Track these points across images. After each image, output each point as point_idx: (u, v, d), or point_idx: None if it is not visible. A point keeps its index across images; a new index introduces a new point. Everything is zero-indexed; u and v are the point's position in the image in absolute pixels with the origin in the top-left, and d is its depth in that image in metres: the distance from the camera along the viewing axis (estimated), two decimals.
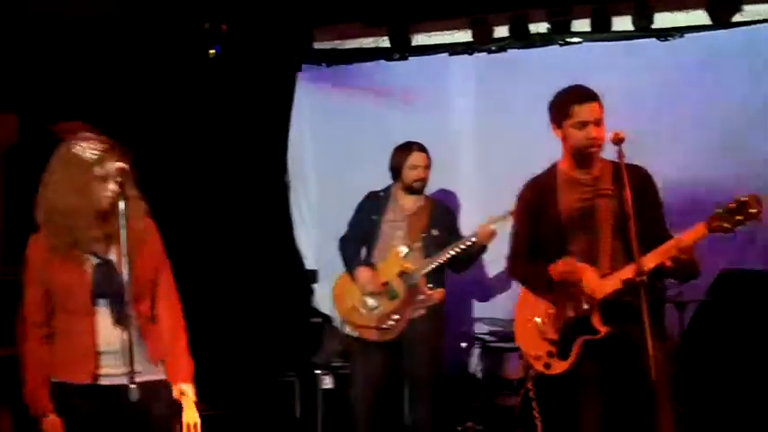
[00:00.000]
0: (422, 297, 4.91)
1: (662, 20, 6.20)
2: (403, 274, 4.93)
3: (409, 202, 5.12)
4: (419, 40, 6.68)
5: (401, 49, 6.65)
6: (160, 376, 3.31)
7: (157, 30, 6.03)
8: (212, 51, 6.48)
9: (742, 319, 5.71)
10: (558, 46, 6.38)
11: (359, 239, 5.16)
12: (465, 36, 6.56)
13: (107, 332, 3.21)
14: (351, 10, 6.59)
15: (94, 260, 3.25)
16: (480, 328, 5.89)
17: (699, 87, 6.02)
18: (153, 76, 6.14)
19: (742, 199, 3.29)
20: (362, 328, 4.99)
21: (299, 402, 5.94)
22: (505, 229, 4.74)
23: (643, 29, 6.18)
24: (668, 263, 3.43)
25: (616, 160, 3.65)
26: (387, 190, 5.20)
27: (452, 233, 5.09)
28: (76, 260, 3.22)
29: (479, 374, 5.72)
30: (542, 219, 3.80)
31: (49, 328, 3.26)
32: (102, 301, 3.22)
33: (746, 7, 6.02)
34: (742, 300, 5.75)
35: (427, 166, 5.10)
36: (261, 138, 6.74)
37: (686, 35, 6.12)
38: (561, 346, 3.70)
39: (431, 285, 4.93)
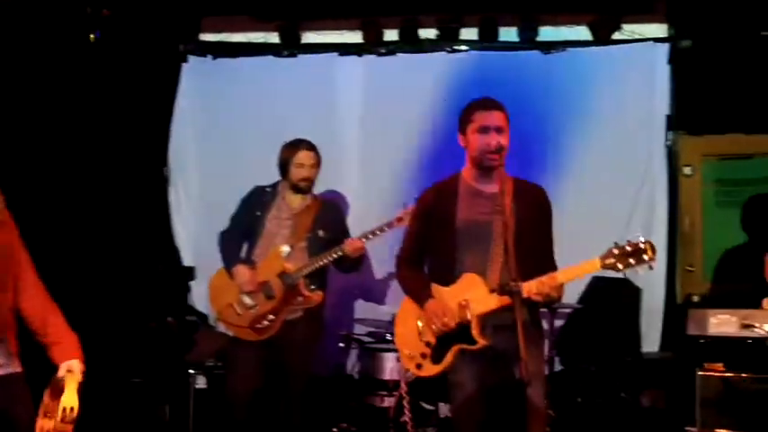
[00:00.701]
0: (300, 299, 4.82)
1: (546, 34, 6.40)
2: (283, 275, 4.81)
3: (296, 201, 5.00)
4: (309, 37, 6.67)
5: (291, 46, 6.62)
6: (18, 369, 3.29)
7: (36, 12, 5.82)
8: (93, 36, 6.29)
9: (611, 324, 5.99)
10: (446, 52, 6.48)
11: (240, 235, 5.02)
12: (355, 37, 6.60)
13: None
14: (241, 3, 6.50)
15: None
16: (360, 329, 5.92)
17: (579, 99, 6.26)
18: (30, 60, 5.90)
19: (640, 245, 3.37)
20: (237, 328, 4.88)
21: (168, 403, 5.80)
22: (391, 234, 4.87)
23: (528, 41, 6.38)
24: (537, 297, 3.53)
25: (518, 177, 3.79)
26: (274, 186, 5.07)
27: (340, 234, 4.99)
28: None
29: (356, 375, 5.75)
30: (438, 225, 3.82)
31: None
32: None
33: (626, 26, 6.32)
34: (611, 305, 6.01)
35: (314, 165, 4.99)
36: (141, 128, 6.56)
37: (569, 49, 6.35)
38: (436, 351, 3.74)
39: (313, 287, 4.86)
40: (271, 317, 4.80)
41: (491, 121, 3.73)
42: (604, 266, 3.43)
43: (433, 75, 6.43)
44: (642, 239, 3.38)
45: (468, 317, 3.65)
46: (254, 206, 5.01)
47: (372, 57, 6.58)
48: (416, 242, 3.97)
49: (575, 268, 3.53)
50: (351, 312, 6.31)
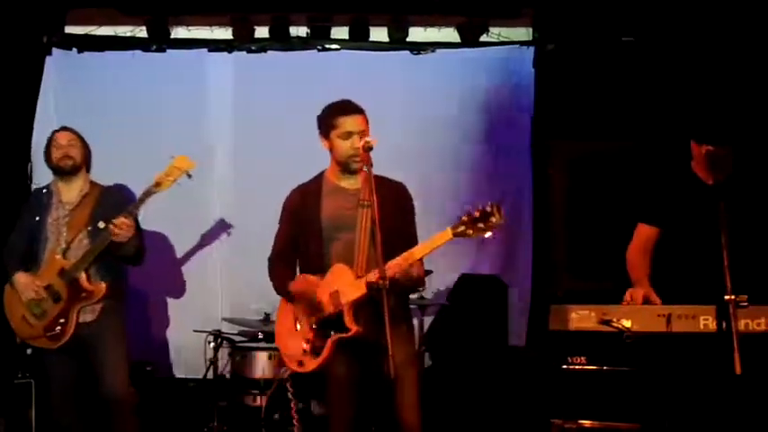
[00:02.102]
0: (84, 294, 4.54)
1: (416, 34, 6.45)
2: (62, 273, 4.55)
3: (71, 194, 4.73)
4: (179, 32, 6.52)
5: (159, 41, 6.46)
6: None
7: None
8: None
9: (478, 320, 6.08)
10: (317, 51, 6.46)
11: (23, 244, 4.71)
12: (226, 33, 6.49)
13: None
14: None
15: None
16: (230, 328, 5.83)
17: (446, 100, 6.34)
18: None
19: (486, 209, 3.43)
20: (34, 339, 4.63)
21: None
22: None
23: (398, 41, 6.41)
24: (400, 277, 3.59)
25: (378, 174, 3.79)
26: (48, 186, 4.82)
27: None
28: None
29: (227, 375, 5.66)
30: (305, 223, 3.91)
31: None
32: None
33: (493, 29, 6.43)
34: (478, 301, 6.11)
35: (73, 145, 4.73)
36: (3, 122, 6.30)
37: (438, 50, 6.41)
38: (315, 344, 3.78)
39: (101, 283, 4.58)
40: (62, 320, 4.56)
41: (353, 125, 3.83)
42: (456, 235, 3.48)
43: (303, 73, 6.39)
44: (489, 203, 3.44)
45: (340, 306, 3.70)
46: (33, 211, 4.74)
47: (243, 54, 6.50)
48: (285, 242, 4.02)
49: (428, 242, 3.58)
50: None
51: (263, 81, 6.43)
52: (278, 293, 4.00)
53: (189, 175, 4.59)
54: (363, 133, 3.81)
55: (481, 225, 3.44)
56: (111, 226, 4.42)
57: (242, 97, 6.49)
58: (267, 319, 5.50)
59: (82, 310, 4.58)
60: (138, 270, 4.96)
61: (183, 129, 6.40)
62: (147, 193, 4.54)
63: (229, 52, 6.51)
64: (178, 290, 6.35)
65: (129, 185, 5.09)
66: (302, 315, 3.86)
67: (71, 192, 4.75)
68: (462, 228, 3.47)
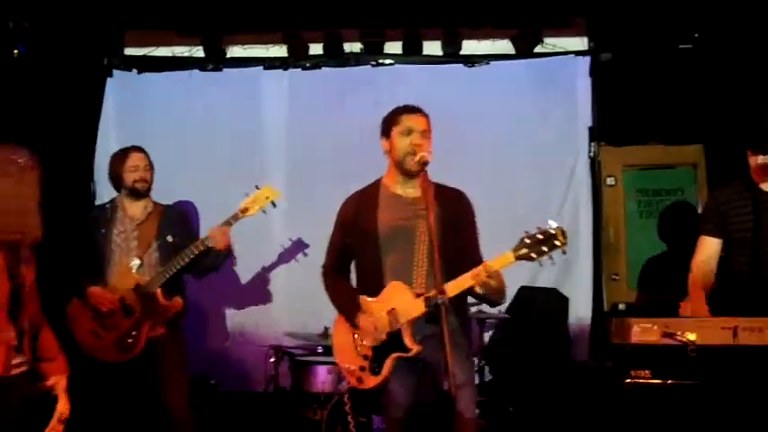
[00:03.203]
0: (160, 309, 4.65)
1: (469, 47, 6.42)
2: (137, 288, 4.66)
3: (137, 211, 4.87)
4: (234, 51, 6.59)
5: (215, 60, 6.53)
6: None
7: None
8: (16, 51, 6.11)
9: (538, 333, 6.00)
10: (370, 66, 6.48)
11: (89, 259, 4.80)
12: (281, 51, 6.52)
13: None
14: (164, 16, 6.38)
15: None
16: (290, 342, 5.83)
17: (502, 112, 6.29)
18: None
19: (550, 231, 3.36)
20: (101, 351, 4.67)
21: None
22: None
23: (451, 54, 6.38)
24: (477, 288, 3.48)
25: (439, 182, 3.75)
26: (112, 202, 4.94)
27: (189, 238, 4.85)
28: None
29: (288, 388, 5.66)
30: (360, 234, 3.81)
31: None
32: None
33: (547, 40, 6.37)
34: (538, 314, 6.02)
35: (147, 167, 4.88)
36: (67, 143, 6.35)
37: (492, 62, 6.37)
38: (374, 362, 3.70)
39: (178, 299, 4.73)
40: (134, 333, 4.63)
41: (416, 123, 3.75)
42: (518, 257, 3.41)
43: (357, 88, 6.40)
44: (553, 225, 3.37)
45: (398, 325, 3.62)
46: (98, 225, 4.84)
47: (297, 70, 6.54)
48: (340, 252, 3.96)
49: (491, 262, 3.47)
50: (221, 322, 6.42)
51: (317, 97, 6.47)
52: (333, 304, 3.93)
53: (274, 204, 4.85)
54: (425, 133, 3.74)
55: (544, 248, 3.37)
56: (210, 237, 4.66)
57: (296, 113, 6.53)
58: (326, 333, 5.49)
59: (153, 324, 4.66)
60: (197, 284, 5.03)
61: (238, 146, 6.50)
62: (235, 218, 4.76)
63: (284, 69, 6.55)
64: (238, 304, 6.40)
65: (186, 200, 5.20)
66: (360, 332, 3.77)
67: (136, 208, 4.87)
68: (525, 250, 3.40)
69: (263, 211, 4.84)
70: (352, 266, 3.97)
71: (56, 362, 3.67)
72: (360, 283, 3.88)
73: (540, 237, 3.37)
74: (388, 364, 3.67)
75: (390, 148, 3.81)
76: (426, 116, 3.80)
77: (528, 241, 3.39)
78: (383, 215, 3.79)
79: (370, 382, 3.73)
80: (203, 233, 4.91)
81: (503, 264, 3.45)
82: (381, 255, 3.73)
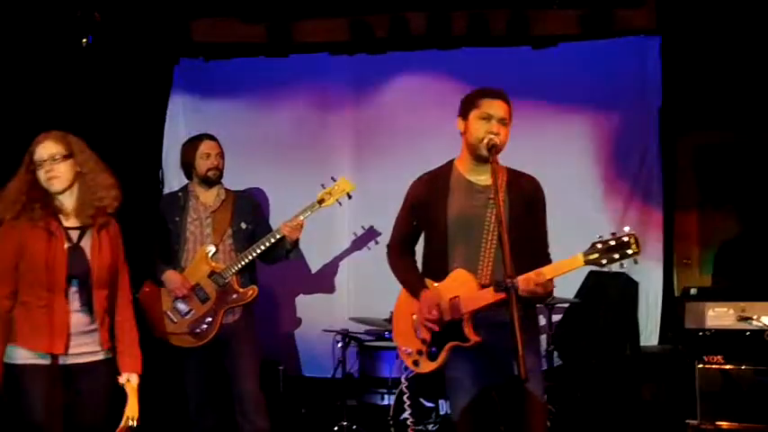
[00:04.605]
0: (235, 296, 4.73)
1: (536, 29, 6.35)
2: (213, 275, 4.73)
3: (210, 198, 4.91)
4: (300, 37, 6.62)
5: (281, 47, 6.59)
6: (103, 357, 3.68)
7: (28, 16, 5.76)
8: (85, 41, 6.23)
9: (608, 318, 5.96)
10: (436, 50, 6.45)
11: (162, 244, 4.87)
12: (346, 36, 6.54)
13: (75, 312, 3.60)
14: (229, 5, 6.48)
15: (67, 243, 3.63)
16: (357, 328, 5.88)
17: (571, 95, 6.24)
18: (23, 65, 5.82)
19: (624, 238, 3.27)
20: (176, 336, 4.74)
21: None
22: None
23: (519, 36, 6.32)
24: (522, 293, 3.40)
25: (513, 168, 3.74)
26: (184, 189, 4.98)
27: (260, 225, 4.94)
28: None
29: (356, 374, 5.71)
30: (429, 218, 3.79)
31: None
32: (74, 282, 3.59)
33: (617, 20, 6.26)
34: (608, 298, 5.98)
35: (219, 155, 4.93)
36: (135, 131, 6.51)
37: (560, 44, 6.32)
38: (431, 347, 3.70)
39: (253, 287, 4.79)
40: (208, 319, 4.71)
41: (496, 110, 3.66)
42: (588, 262, 3.33)
43: (423, 72, 6.42)
44: (627, 231, 3.29)
45: (460, 314, 3.60)
46: (172, 212, 4.90)
47: (363, 56, 6.57)
48: (405, 232, 3.95)
49: (557, 265, 3.43)
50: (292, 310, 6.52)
51: (383, 82, 6.51)
52: (397, 278, 3.92)
53: (349, 196, 4.93)
54: (504, 121, 3.66)
55: (616, 255, 3.27)
56: (283, 228, 4.73)
57: (363, 99, 6.58)
58: (392, 318, 5.52)
59: (227, 311, 4.74)
60: (267, 270, 5.10)
61: (305, 133, 6.57)
62: (312, 208, 4.83)
63: (350, 55, 6.59)
64: (307, 289, 6.48)
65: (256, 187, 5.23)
66: (420, 315, 3.73)
67: (209, 196, 4.92)
68: (595, 255, 3.31)
69: (339, 203, 4.91)
70: (418, 248, 3.97)
71: (130, 357, 3.73)
72: (424, 266, 3.86)
73: (613, 243, 3.28)
74: (444, 352, 3.65)
75: (465, 130, 3.73)
76: (508, 103, 3.72)
77: (600, 246, 3.31)
78: (454, 202, 3.74)
79: (427, 366, 3.71)
80: (273, 220, 4.99)
81: (571, 267, 3.38)
82: (449, 242, 3.70)
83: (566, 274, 3.39)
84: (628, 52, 6.24)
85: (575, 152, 6.24)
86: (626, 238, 3.26)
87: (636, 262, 3.29)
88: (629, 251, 3.25)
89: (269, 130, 6.59)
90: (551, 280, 3.43)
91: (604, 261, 3.30)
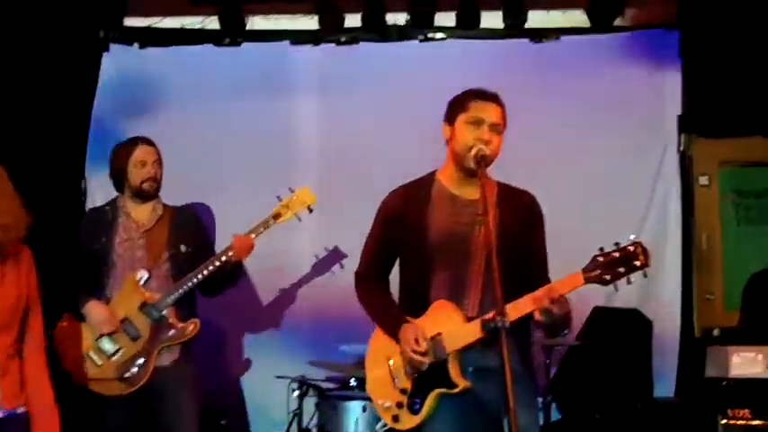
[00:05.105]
0: (172, 333, 4.67)
1: (536, 19, 6.41)
2: (145, 306, 4.64)
3: (144, 215, 4.85)
4: (256, 23, 6.64)
5: (233, 33, 6.59)
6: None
7: None
8: None
9: (616, 363, 5.98)
10: (418, 41, 6.47)
11: (84, 270, 4.78)
12: (311, 23, 6.55)
13: None
14: None
15: None
16: (318, 373, 5.83)
17: (575, 96, 6.28)
18: None
19: (628, 248, 3.31)
20: (98, 381, 4.63)
21: None
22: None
23: (515, 28, 6.37)
24: (538, 315, 3.44)
25: (504, 182, 3.76)
26: (112, 203, 4.93)
27: (204, 247, 4.90)
28: None
29: (314, 429, 5.67)
30: (406, 239, 3.78)
31: None
32: None
33: (629, 10, 6.36)
34: (615, 340, 6.03)
35: (157, 162, 4.87)
36: (53, 134, 6.42)
37: (563, 38, 6.37)
38: (414, 398, 3.67)
39: (194, 320, 4.73)
40: (140, 361, 4.63)
41: (488, 113, 3.68)
42: (589, 280, 3.36)
43: (402, 67, 6.42)
44: (632, 239, 3.33)
45: (444, 354, 3.59)
46: (97, 231, 4.83)
47: (331, 46, 6.57)
48: (378, 256, 3.94)
49: (556, 285, 3.45)
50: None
51: (354, 77, 6.49)
52: (369, 314, 3.90)
53: (310, 210, 4.95)
54: (496, 127, 3.67)
55: (621, 269, 3.32)
56: (233, 248, 4.70)
57: (330, 96, 6.57)
58: (361, 362, 5.48)
59: (162, 350, 4.68)
60: (208, 300, 5.05)
61: (261, 134, 6.54)
62: (265, 225, 4.83)
63: (315, 44, 6.59)
64: (256, 326, 6.42)
65: (193, 189, 5.33)
66: (398, 358, 3.72)
67: (143, 212, 4.88)
68: (597, 272, 3.36)
69: (298, 218, 4.91)
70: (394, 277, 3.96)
71: (43, 424, 3.53)
72: (401, 298, 3.85)
73: (617, 255, 3.33)
74: (429, 402, 3.62)
75: (452, 137, 3.74)
76: (502, 106, 3.74)
77: (601, 260, 3.35)
78: (435, 217, 3.74)
79: (409, 421, 3.68)
80: (220, 240, 4.96)
81: (569, 287, 3.41)
82: (429, 265, 3.70)
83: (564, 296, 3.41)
84: (641, 49, 6.30)
85: (575, 166, 6.26)
86: (631, 248, 3.31)
87: (645, 275, 3.33)
88: (637, 263, 3.29)
89: (217, 134, 6.55)
90: (566, 297, 3.43)
91: (608, 277, 3.34)
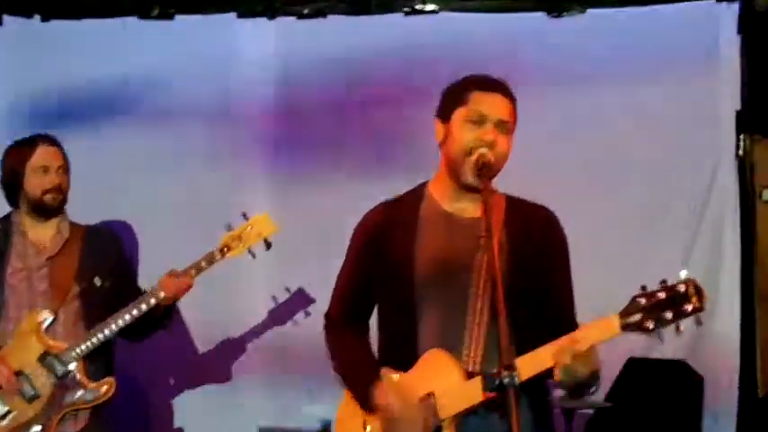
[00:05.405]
0: (80, 394, 4.63)
1: None
2: (47, 358, 4.62)
3: (46, 236, 4.84)
4: None
5: (163, 3, 6.58)
6: None
7: None
8: None
9: (656, 429, 5.97)
10: (402, 15, 6.47)
11: None
12: None
13: None
14: None
15: None
16: None
17: (606, 85, 6.26)
18: None
19: (679, 288, 3.16)
20: None
21: None
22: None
23: None
24: (558, 373, 3.32)
25: (513, 195, 3.73)
26: (4, 221, 4.93)
27: (126, 280, 4.90)
28: None
29: None
30: (386, 267, 3.74)
31: None
32: None
33: None
34: (655, 400, 5.99)
35: (63, 168, 4.86)
36: None
37: (589, 11, 6.35)
38: None
39: (109, 379, 4.71)
40: (35, 429, 4.60)
41: (492, 108, 3.60)
42: (626, 327, 3.19)
43: (381, 46, 6.41)
44: (683, 277, 3.17)
45: (437, 420, 3.50)
46: None
47: (290, 20, 6.56)
48: (354, 294, 3.92)
49: (584, 333, 3.30)
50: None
51: (319, 60, 6.48)
52: (338, 373, 3.87)
53: (268, 244, 4.92)
54: (504, 125, 3.59)
55: (668, 314, 3.15)
56: (163, 287, 4.67)
57: (290, 80, 6.58)
58: (327, 429, 5.47)
59: (65, 417, 4.61)
60: (129, 351, 5.00)
61: (198, 137, 6.55)
62: (209, 260, 4.81)
63: (270, 18, 6.58)
64: (193, 385, 6.39)
65: (119, 217, 5.38)
66: (378, 424, 3.64)
67: (44, 232, 4.85)
68: (638, 317, 3.17)
69: (251, 254, 4.89)
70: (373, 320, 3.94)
71: None
72: (381, 347, 3.83)
73: (663, 296, 3.17)
74: None
75: (446, 138, 3.68)
76: (512, 99, 3.66)
77: (643, 302, 3.18)
78: (425, 243, 3.69)
79: None
80: (148, 270, 4.89)
81: (601, 336, 3.26)
82: (417, 305, 3.64)
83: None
84: (688, 25, 6.28)
85: (607, 175, 6.24)
86: (682, 288, 3.15)
87: (700, 323, 3.17)
88: (688, 306, 3.13)
89: (143, 132, 6.54)
90: (595, 350, 3.32)
91: (651, 324, 3.16)
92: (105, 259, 4.86)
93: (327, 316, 3.99)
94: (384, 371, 3.66)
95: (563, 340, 3.31)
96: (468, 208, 3.68)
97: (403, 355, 3.63)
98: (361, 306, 3.92)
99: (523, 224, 3.69)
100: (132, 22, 6.62)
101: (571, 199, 5.36)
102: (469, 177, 3.57)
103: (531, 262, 3.61)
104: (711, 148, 6.26)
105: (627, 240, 6.07)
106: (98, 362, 4.71)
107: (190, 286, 4.72)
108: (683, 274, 3.18)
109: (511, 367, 3.18)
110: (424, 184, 3.83)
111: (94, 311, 4.71)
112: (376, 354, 3.85)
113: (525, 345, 3.34)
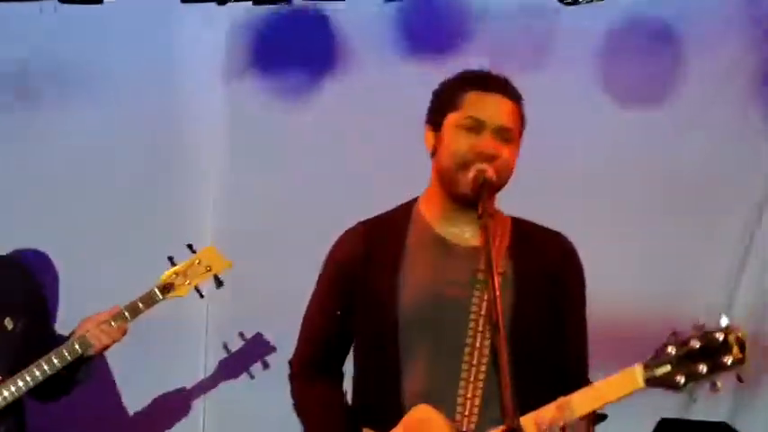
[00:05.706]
0: None
1: None
2: None
3: None
4: None
5: None
6: None
7: None
8: None
9: None
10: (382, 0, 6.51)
11: None
12: None
13: None
14: None
15: None
16: None
17: (627, 87, 6.42)
18: None
19: (715, 335, 3.13)
20: None
21: None
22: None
23: None
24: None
25: (520, 217, 3.80)
26: None
27: (41, 322, 4.96)
28: None
29: None
30: (365, 304, 3.79)
31: None
32: None
33: None
34: None
35: None
36: None
37: None
38: None
39: None
40: None
41: (493, 111, 3.66)
42: (652, 381, 3.20)
43: (362, 41, 6.52)
44: (723, 324, 3.14)
45: None
46: None
47: (244, 5, 6.63)
48: (326, 335, 3.96)
49: (599, 389, 3.34)
50: None
51: (282, 57, 6.62)
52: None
53: (219, 282, 5.03)
54: (506, 133, 3.65)
55: (702, 366, 3.13)
56: (90, 326, 4.72)
57: (242, 87, 6.70)
58: None
59: None
60: (43, 413, 5.11)
61: (136, 146, 6.62)
62: (147, 301, 4.89)
63: (220, 3, 6.63)
64: None
65: (32, 245, 5.35)
66: None
67: None
68: (666, 369, 3.16)
69: (199, 293, 4.94)
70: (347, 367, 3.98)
71: None
72: (357, 401, 3.88)
73: (697, 345, 3.16)
74: None
75: (437, 147, 3.73)
76: (516, 99, 3.72)
77: (673, 352, 3.18)
78: (413, 273, 3.74)
79: None
80: (69, 311, 4.98)
81: (620, 391, 3.27)
82: (401, 350, 3.69)
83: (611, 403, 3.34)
84: (736, 13, 6.44)
85: (628, 201, 6.38)
86: (719, 336, 3.13)
87: (740, 380, 3.21)
88: (727, 358, 3.11)
89: (66, 138, 6.60)
90: (591, 419, 3.43)
91: (682, 379, 3.15)
92: (15, 296, 4.88)
93: (293, 362, 3.99)
94: (363, 430, 3.69)
95: (551, 406, 3.35)
96: (466, 232, 3.75)
97: (384, 412, 3.65)
98: (333, 350, 3.93)
99: (533, 254, 3.75)
100: (52, 6, 6.62)
101: (587, 224, 5.54)
102: (467, 191, 3.60)
103: (541, 298, 3.68)
104: (759, 168, 6.38)
105: (656, 279, 6.23)
106: (7, 423, 4.76)
107: (124, 333, 4.76)
108: (724, 321, 3.14)
109: (517, 428, 3.23)
110: (412, 202, 3.87)
111: (3, 359, 4.75)
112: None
113: (532, 399, 3.39)
